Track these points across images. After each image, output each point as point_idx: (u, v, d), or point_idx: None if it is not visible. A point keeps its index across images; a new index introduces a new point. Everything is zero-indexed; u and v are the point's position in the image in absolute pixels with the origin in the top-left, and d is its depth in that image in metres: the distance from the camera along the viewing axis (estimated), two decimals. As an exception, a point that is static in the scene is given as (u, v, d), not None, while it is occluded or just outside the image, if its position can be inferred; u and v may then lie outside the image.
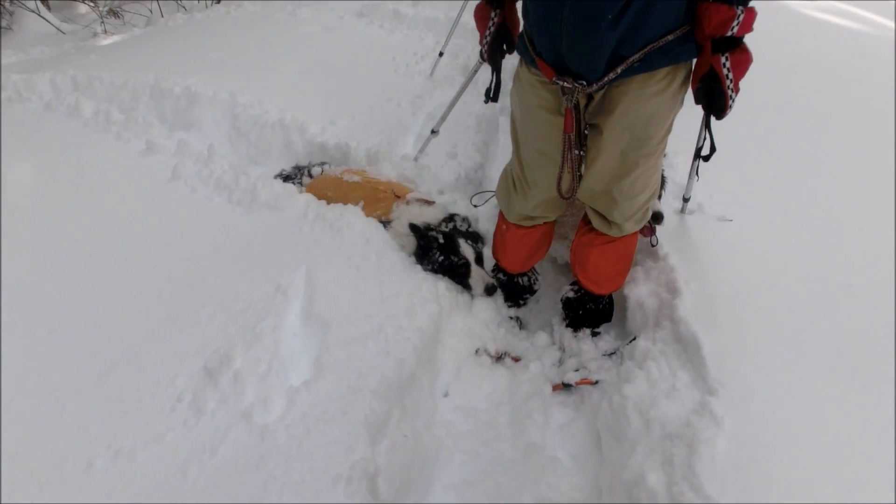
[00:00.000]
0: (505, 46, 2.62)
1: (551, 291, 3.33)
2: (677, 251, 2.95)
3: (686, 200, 3.18)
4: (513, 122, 2.73)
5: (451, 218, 3.29)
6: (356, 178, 3.60)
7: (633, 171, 2.48)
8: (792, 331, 2.51)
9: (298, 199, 3.29)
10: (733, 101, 2.24)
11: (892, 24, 6.44)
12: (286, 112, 4.44)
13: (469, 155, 4.08)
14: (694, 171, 3.02)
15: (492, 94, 2.77)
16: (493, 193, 3.19)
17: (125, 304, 2.66)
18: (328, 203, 3.39)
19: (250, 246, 3.00)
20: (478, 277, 3.10)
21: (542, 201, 2.77)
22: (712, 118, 2.40)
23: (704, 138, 2.59)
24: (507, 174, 2.90)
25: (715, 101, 2.26)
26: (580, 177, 2.54)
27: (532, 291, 3.24)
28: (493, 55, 2.64)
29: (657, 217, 2.94)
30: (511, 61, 2.65)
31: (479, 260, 3.17)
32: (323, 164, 3.95)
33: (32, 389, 2.26)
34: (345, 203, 3.38)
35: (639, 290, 2.91)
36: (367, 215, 3.29)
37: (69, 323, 2.54)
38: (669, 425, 2.25)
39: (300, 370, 2.44)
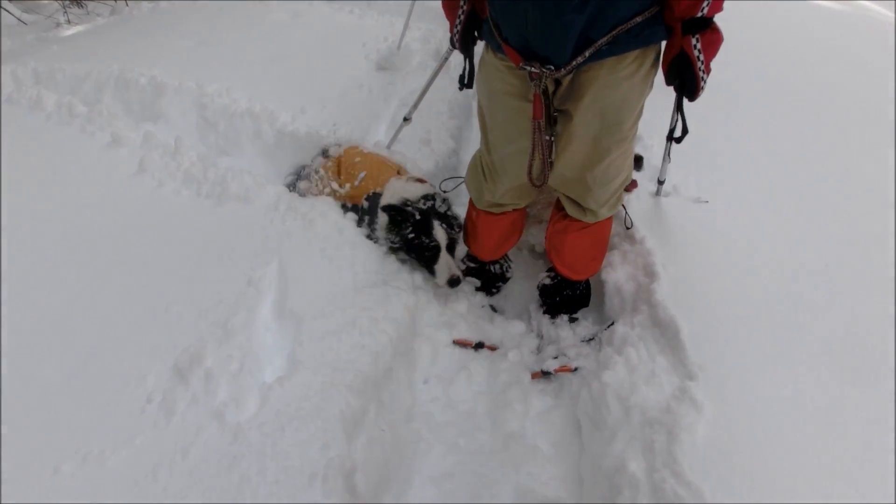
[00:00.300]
0: (476, 33, 2.58)
1: (527, 278, 3.29)
2: (654, 234, 2.93)
3: (661, 183, 3.15)
4: (480, 108, 2.69)
5: (431, 196, 3.07)
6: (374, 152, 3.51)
7: (606, 157, 2.44)
8: (770, 313, 2.50)
9: (269, 191, 3.22)
10: (705, 82, 2.20)
11: (867, 3, 6.46)
12: (255, 101, 4.35)
13: (443, 141, 4.03)
14: (667, 154, 2.99)
15: (466, 81, 2.73)
16: (462, 179, 3.13)
17: (91, 302, 2.58)
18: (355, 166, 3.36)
19: (220, 239, 2.93)
20: (444, 266, 2.95)
21: (512, 188, 2.74)
22: (685, 100, 2.37)
23: (676, 120, 2.56)
24: (476, 161, 2.86)
25: (687, 83, 2.23)
26: (551, 163, 2.50)
27: (504, 279, 3.20)
28: (464, 43, 2.59)
29: (638, 161, 2.89)
30: (481, 45, 2.60)
31: (452, 247, 3.02)
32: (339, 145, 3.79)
33: (-5, 394, 2.19)
34: (357, 167, 3.32)
35: (616, 275, 2.88)
36: (363, 188, 3.20)
37: (33, 323, 2.47)
38: (649, 411, 2.23)
39: (274, 366, 2.38)
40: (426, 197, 3.03)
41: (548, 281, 3.03)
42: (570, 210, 2.73)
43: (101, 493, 1.90)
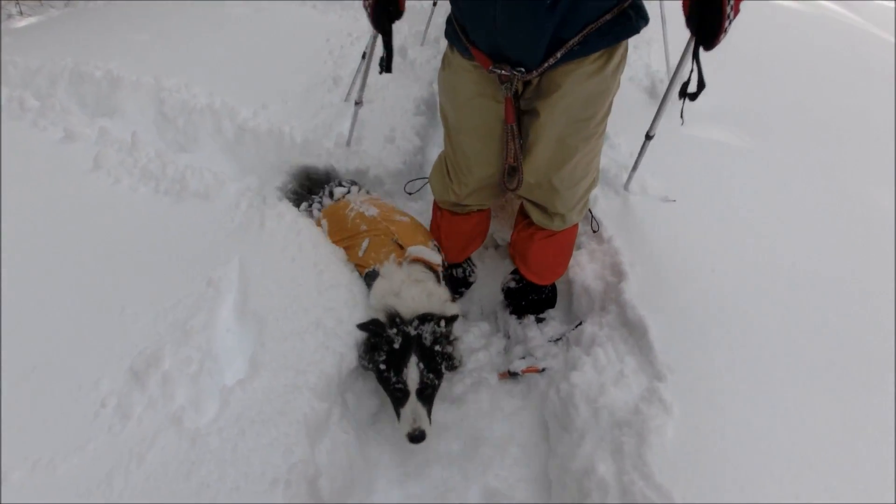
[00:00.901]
0: (391, 9, 2.51)
1: (493, 277, 3.23)
2: (621, 233, 2.92)
3: (649, 138, 3.00)
4: (442, 109, 2.63)
5: (426, 318, 2.48)
6: (374, 212, 2.95)
7: (573, 157, 2.41)
8: (740, 314, 2.51)
9: (230, 188, 3.14)
10: (730, 23, 1.99)
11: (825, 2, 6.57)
12: (215, 96, 4.24)
13: (408, 138, 3.97)
14: (681, 114, 2.61)
15: (385, 66, 2.67)
16: (426, 180, 3.07)
17: (43, 303, 2.48)
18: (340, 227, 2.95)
19: (179, 238, 2.84)
20: (408, 416, 2.36)
21: (477, 188, 2.69)
22: (701, 50, 2.17)
23: (692, 71, 2.31)
24: (440, 161, 2.81)
25: (708, 23, 2.01)
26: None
27: (467, 284, 3.14)
28: (378, 20, 2.54)
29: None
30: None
31: (425, 392, 2.41)
32: (352, 183, 3.32)
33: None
34: (352, 236, 2.90)
35: (584, 274, 2.87)
36: (367, 260, 2.77)
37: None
38: (618, 413, 2.22)
39: (234, 369, 2.30)
40: (422, 318, 2.48)
41: (513, 284, 2.99)
42: (536, 217, 2.68)
43: (53, 501, 1.82)
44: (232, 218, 2.94)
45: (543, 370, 2.65)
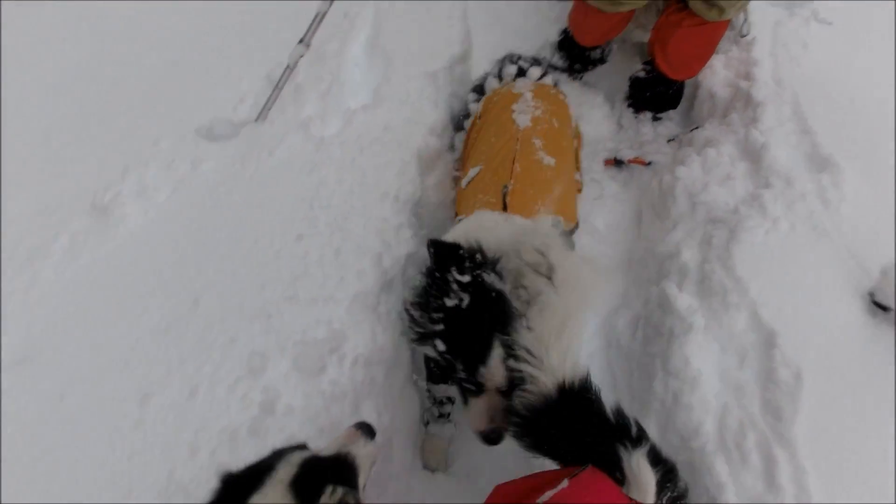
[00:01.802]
0: None
1: (622, 70, 3.13)
2: (763, 45, 2.78)
3: None
4: None
5: (495, 263, 1.56)
6: (525, 121, 2.12)
7: None
8: (868, 145, 2.41)
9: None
10: None
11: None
12: None
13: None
14: None
15: None
16: None
17: (190, 14, 2.64)
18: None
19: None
20: (482, 410, 1.54)
21: None
22: None
23: None
24: None
25: None
26: None
27: (602, 62, 3.05)
28: None
29: None
30: None
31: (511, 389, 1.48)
32: (533, 62, 2.51)
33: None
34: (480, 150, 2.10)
35: (714, 79, 2.78)
36: (466, 197, 1.97)
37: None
38: (716, 210, 2.25)
39: (359, 96, 2.44)
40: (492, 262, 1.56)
41: (642, 74, 2.89)
42: (694, 3, 2.54)
43: (195, 171, 2.05)
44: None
45: (650, 163, 2.67)
